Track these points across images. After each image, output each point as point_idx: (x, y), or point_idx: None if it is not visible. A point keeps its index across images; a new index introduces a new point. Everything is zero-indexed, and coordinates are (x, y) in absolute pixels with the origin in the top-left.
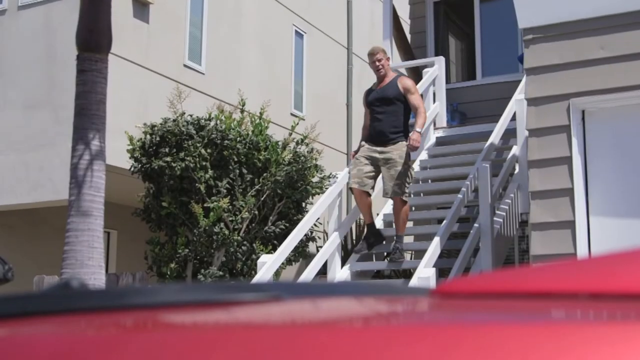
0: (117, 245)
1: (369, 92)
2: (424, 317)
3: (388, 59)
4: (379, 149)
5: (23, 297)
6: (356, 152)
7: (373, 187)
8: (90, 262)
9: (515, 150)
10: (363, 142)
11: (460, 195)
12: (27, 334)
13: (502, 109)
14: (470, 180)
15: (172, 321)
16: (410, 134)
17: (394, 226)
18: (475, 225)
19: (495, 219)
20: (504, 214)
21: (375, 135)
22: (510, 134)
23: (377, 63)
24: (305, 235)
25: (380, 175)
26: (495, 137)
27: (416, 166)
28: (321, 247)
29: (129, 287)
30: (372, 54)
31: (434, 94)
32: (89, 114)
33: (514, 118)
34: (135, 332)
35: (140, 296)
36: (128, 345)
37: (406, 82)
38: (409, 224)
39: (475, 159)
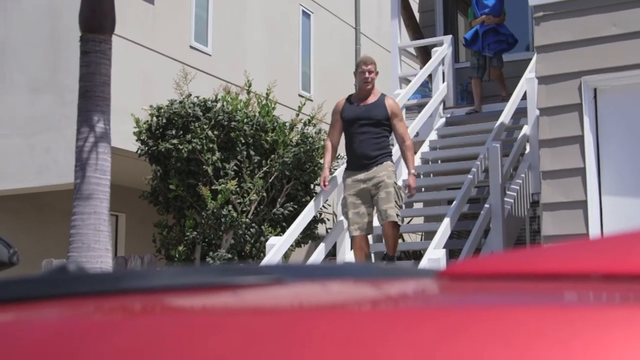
0: (126, 229)
1: (345, 106)
2: (429, 299)
3: (377, 73)
4: (361, 176)
5: (17, 281)
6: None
7: (380, 220)
8: (97, 246)
9: (526, 129)
10: (344, 175)
11: (470, 176)
12: (20, 319)
13: (513, 88)
14: (481, 161)
15: (170, 305)
16: (408, 179)
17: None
18: (486, 205)
19: (505, 199)
20: (515, 194)
21: (356, 158)
22: (520, 113)
23: (367, 75)
24: (314, 217)
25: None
26: (505, 117)
27: (425, 147)
28: (330, 229)
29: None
30: (365, 63)
31: (443, 74)
32: (93, 96)
33: (524, 97)
34: (131, 317)
35: (138, 280)
36: (123, 330)
37: (394, 105)
38: (419, 205)
39: (486, 139)
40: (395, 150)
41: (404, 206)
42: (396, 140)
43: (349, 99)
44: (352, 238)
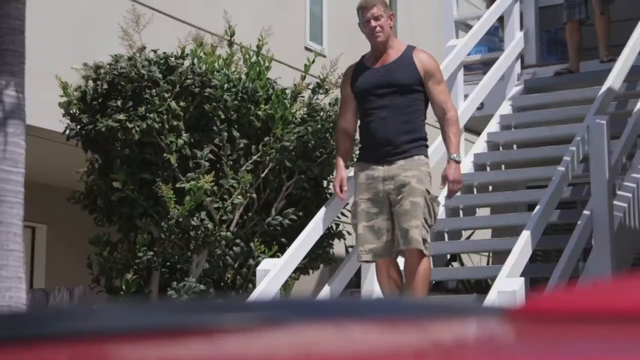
0: (47, 247)
1: (356, 72)
2: (492, 354)
3: (391, 16)
4: (382, 170)
5: None
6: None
7: (398, 244)
8: (3, 273)
9: None
10: (355, 168)
11: (561, 168)
12: None
13: (626, 38)
14: (577, 145)
15: (118, 359)
16: (445, 168)
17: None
18: (586, 212)
19: (615, 203)
20: (630, 195)
21: (374, 146)
22: (638, 73)
23: (373, 22)
24: (328, 229)
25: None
26: (615, 80)
27: (494, 125)
28: (352, 247)
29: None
30: (365, 7)
31: (521, 16)
32: None
33: None
34: None
35: (66, 322)
36: None
37: (428, 59)
38: (484, 212)
39: (585, 114)
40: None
41: (435, 227)
42: (434, 112)
43: (361, 62)
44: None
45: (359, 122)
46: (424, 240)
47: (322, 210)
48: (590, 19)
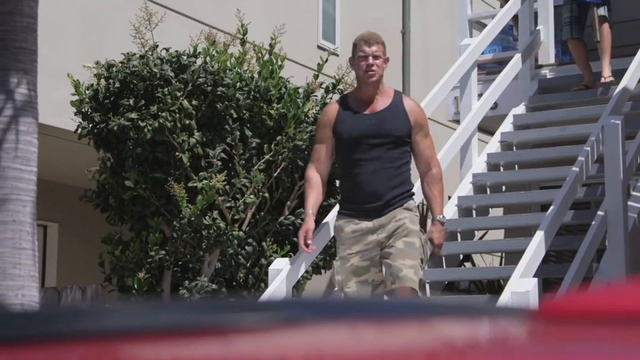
0: (59, 246)
1: (341, 115)
2: (515, 355)
3: (387, 60)
4: (369, 223)
5: None
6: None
7: (388, 284)
8: (16, 271)
9: None
10: (337, 222)
11: (575, 168)
12: None
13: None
14: (592, 145)
15: (131, 359)
16: (431, 230)
17: None
18: (600, 213)
19: (630, 203)
20: None
21: (361, 200)
22: None
23: (371, 59)
24: None
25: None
26: (630, 79)
27: (507, 124)
28: None
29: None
30: (367, 42)
31: (536, 15)
32: (10, 47)
33: None
34: None
35: (80, 321)
36: None
37: (419, 110)
38: (497, 212)
39: (600, 113)
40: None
41: (426, 267)
42: (417, 166)
43: (345, 103)
44: None
45: (341, 170)
46: (420, 281)
47: (335, 209)
48: (597, 36)
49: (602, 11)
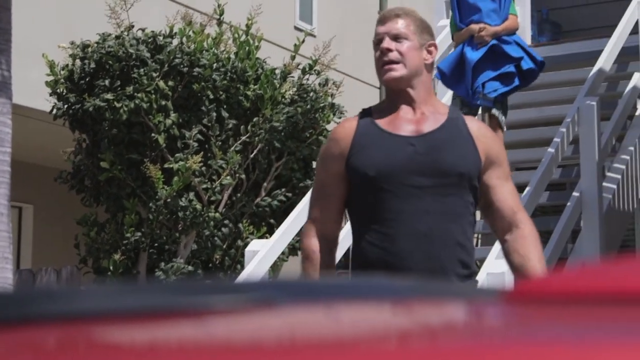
0: (34, 227)
1: (358, 132)
2: (491, 336)
3: (430, 47)
4: None
5: None
6: None
7: None
8: None
9: (637, 80)
10: None
11: (551, 150)
12: None
13: (617, 18)
14: (567, 127)
15: (101, 341)
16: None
17: None
18: (575, 194)
19: (605, 184)
20: (619, 177)
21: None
22: (629, 55)
23: (387, 42)
24: None
25: None
26: (605, 61)
27: None
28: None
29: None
30: (381, 19)
31: None
32: None
33: (635, 30)
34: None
35: (55, 303)
36: None
37: (491, 136)
38: None
39: (575, 94)
40: None
41: None
42: (491, 222)
43: (369, 120)
44: None
45: (359, 228)
46: None
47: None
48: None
49: (495, 111)
